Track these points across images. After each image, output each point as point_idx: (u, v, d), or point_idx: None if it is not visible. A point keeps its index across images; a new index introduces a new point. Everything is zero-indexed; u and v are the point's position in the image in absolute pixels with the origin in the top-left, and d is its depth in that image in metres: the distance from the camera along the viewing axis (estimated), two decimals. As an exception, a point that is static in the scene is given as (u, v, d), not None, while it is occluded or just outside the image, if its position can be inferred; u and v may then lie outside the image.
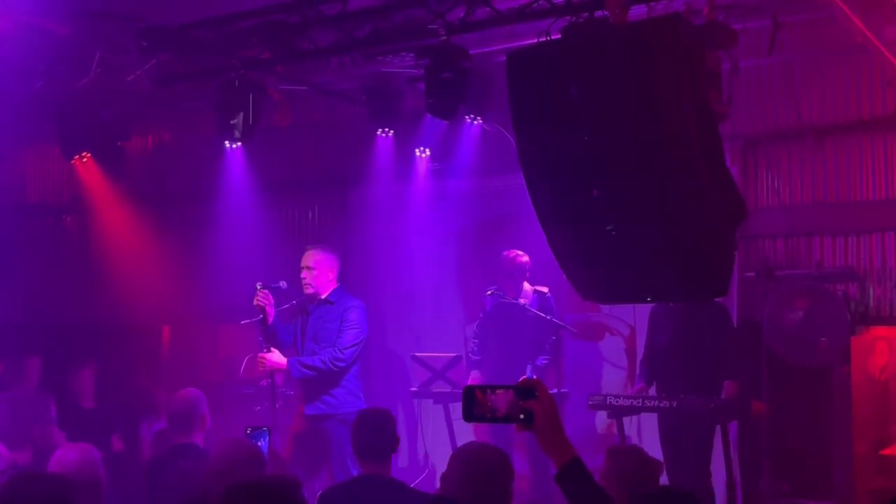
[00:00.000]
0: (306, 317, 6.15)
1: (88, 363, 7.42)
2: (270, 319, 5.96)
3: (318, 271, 6.04)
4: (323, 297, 6.07)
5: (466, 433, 6.43)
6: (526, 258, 6.79)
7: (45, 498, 3.06)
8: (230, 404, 7.30)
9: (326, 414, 5.91)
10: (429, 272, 7.98)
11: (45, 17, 6.31)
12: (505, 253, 6.84)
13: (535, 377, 6.40)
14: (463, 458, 3.43)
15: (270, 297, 5.98)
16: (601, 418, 7.04)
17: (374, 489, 4.02)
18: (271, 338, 6.06)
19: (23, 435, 4.53)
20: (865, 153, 6.89)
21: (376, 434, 4.18)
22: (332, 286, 6.12)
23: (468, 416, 2.38)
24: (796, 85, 7.04)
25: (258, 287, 5.96)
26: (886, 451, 6.79)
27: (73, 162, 7.94)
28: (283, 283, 6.32)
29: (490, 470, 3.34)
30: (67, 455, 3.76)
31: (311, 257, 6.12)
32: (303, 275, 6.10)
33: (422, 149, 7.79)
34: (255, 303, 5.93)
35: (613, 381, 7.43)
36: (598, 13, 5.09)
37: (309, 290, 6.08)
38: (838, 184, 6.99)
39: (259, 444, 3.77)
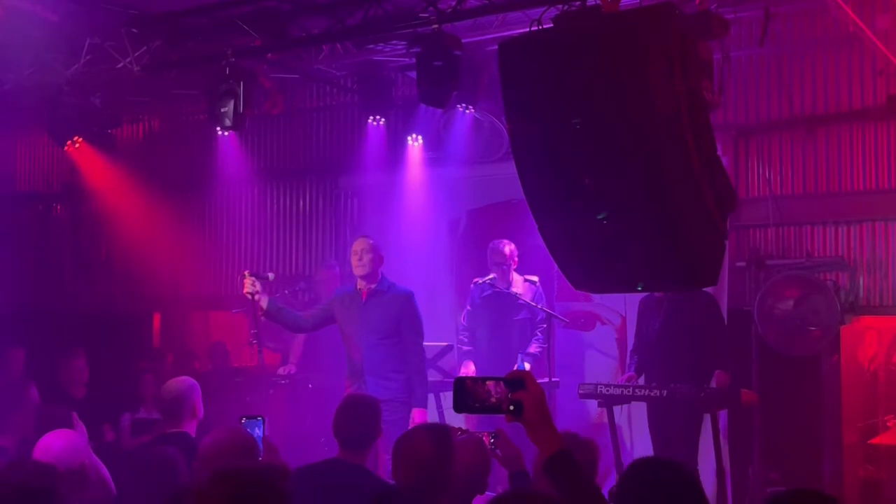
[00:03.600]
0: (359, 308, 6.07)
1: (79, 352, 7.40)
2: (263, 305, 5.94)
3: (373, 255, 6.03)
4: (374, 286, 6.05)
5: (457, 423, 6.44)
6: (512, 247, 6.80)
7: (29, 487, 3.06)
8: (221, 392, 7.30)
9: (387, 398, 5.86)
10: (420, 261, 7.98)
11: (35, 3, 6.26)
12: (491, 244, 6.86)
13: (528, 367, 6.44)
14: (396, 448, 3.43)
15: (258, 283, 5.92)
16: (592, 407, 7.05)
17: (338, 473, 3.97)
18: (275, 319, 6.09)
19: (5, 421, 4.53)
20: (856, 143, 6.91)
21: (360, 422, 4.12)
22: (379, 276, 6.10)
23: (459, 406, 2.40)
24: (788, 75, 7.05)
25: (245, 275, 5.93)
26: (875, 440, 6.84)
27: (66, 148, 7.91)
28: (270, 275, 6.28)
29: (421, 458, 3.32)
30: (52, 442, 3.75)
31: (360, 244, 6.09)
32: (358, 257, 6.05)
33: (414, 136, 7.78)
34: (244, 291, 5.91)
35: (604, 370, 7.45)
36: (590, 2, 5.09)
37: (360, 272, 6.03)
38: (829, 174, 7.01)
39: (254, 432, 3.75)
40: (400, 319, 5.99)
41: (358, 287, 6.07)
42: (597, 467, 3.82)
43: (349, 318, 6.07)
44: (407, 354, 5.99)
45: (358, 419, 4.14)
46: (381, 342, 5.98)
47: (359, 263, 6.05)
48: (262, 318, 6.03)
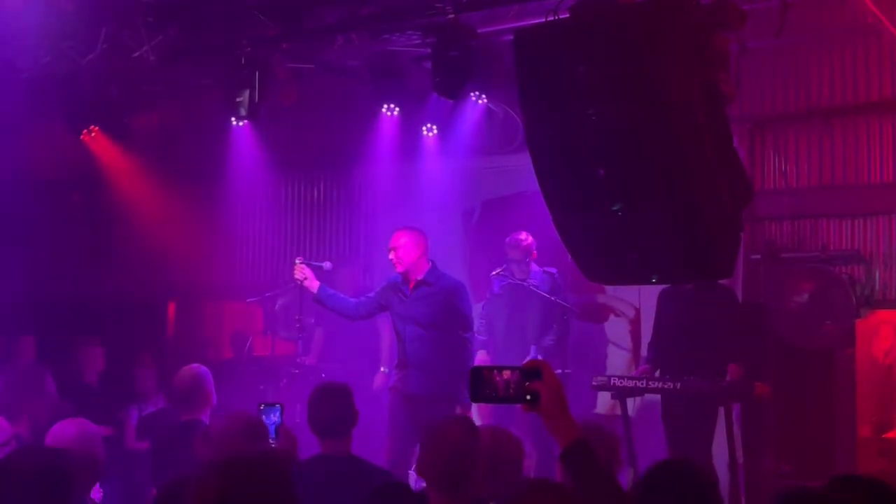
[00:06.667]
0: (403, 300, 6.07)
1: (96, 340, 7.46)
2: (314, 291, 6.11)
3: (403, 250, 6.00)
4: (420, 277, 6.03)
5: (470, 412, 6.45)
6: (530, 239, 6.77)
7: (43, 470, 3.09)
8: (236, 380, 7.33)
9: (426, 393, 5.91)
10: (434, 251, 7.97)
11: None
12: (508, 238, 6.83)
13: (539, 357, 6.43)
14: (428, 437, 3.42)
15: (307, 270, 6.10)
16: (604, 399, 7.05)
17: (328, 467, 3.94)
18: (326, 305, 6.23)
19: (21, 407, 4.57)
20: (873, 135, 6.86)
21: (333, 410, 4.07)
22: (426, 266, 6.07)
23: (475, 396, 2.41)
24: (804, 66, 7.01)
25: (296, 262, 6.13)
26: (889, 435, 6.81)
27: (81, 137, 7.94)
28: (327, 264, 6.43)
29: (454, 448, 3.31)
30: (64, 429, 3.77)
31: (394, 238, 6.09)
32: (390, 256, 6.10)
33: (428, 126, 7.76)
34: (294, 276, 6.13)
35: (617, 362, 7.45)
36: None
37: (399, 268, 6.05)
38: (845, 166, 6.97)
39: (271, 419, 3.76)
40: (447, 312, 5.94)
41: (405, 278, 6.06)
42: (618, 459, 3.83)
43: (396, 308, 6.09)
44: (454, 349, 5.93)
45: (330, 406, 4.09)
46: (424, 335, 5.96)
47: (393, 261, 6.07)
48: (314, 303, 6.18)
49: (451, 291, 6.00)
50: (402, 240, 6.02)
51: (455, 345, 5.93)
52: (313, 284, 6.12)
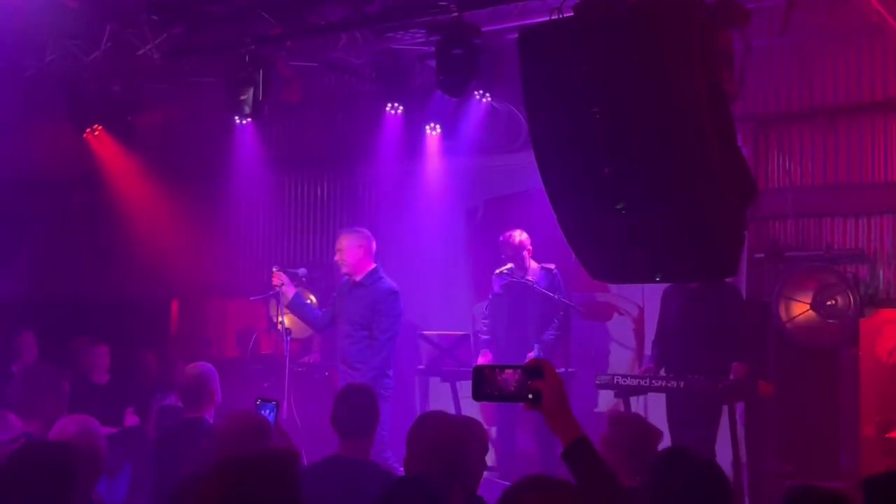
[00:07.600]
0: (341, 299, 6.34)
1: (102, 339, 7.47)
2: (289, 297, 6.38)
3: (347, 252, 6.23)
4: (357, 279, 6.23)
5: (473, 411, 6.46)
6: (524, 236, 6.78)
7: (49, 464, 3.12)
8: (239, 379, 7.33)
9: None
10: (437, 250, 7.98)
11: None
12: (502, 237, 6.83)
13: (541, 355, 6.43)
14: (418, 434, 3.38)
15: (284, 276, 6.38)
16: (607, 397, 7.05)
17: (338, 470, 3.94)
18: (296, 313, 6.52)
19: (34, 407, 4.58)
20: (878, 134, 6.85)
21: (350, 411, 4.10)
22: (368, 267, 6.26)
23: (477, 394, 2.41)
24: (809, 65, 7.00)
25: (274, 270, 6.42)
26: (893, 434, 6.79)
27: (84, 136, 7.95)
28: (301, 270, 6.74)
29: (445, 444, 3.28)
30: (67, 427, 3.80)
31: (339, 240, 6.34)
32: (335, 258, 6.36)
33: (432, 125, 7.76)
34: (272, 283, 6.41)
35: (621, 360, 7.44)
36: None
37: (344, 270, 6.31)
38: (849, 165, 6.96)
39: (265, 415, 3.76)
40: (372, 314, 6.15)
41: (350, 279, 6.31)
42: (656, 451, 3.82)
43: (338, 307, 6.37)
44: (375, 349, 6.13)
45: (347, 407, 4.12)
46: (352, 333, 6.20)
47: (338, 262, 6.33)
48: (286, 308, 6.44)
49: (378, 292, 6.17)
50: (345, 242, 6.26)
51: (374, 345, 6.12)
52: (289, 291, 6.39)
